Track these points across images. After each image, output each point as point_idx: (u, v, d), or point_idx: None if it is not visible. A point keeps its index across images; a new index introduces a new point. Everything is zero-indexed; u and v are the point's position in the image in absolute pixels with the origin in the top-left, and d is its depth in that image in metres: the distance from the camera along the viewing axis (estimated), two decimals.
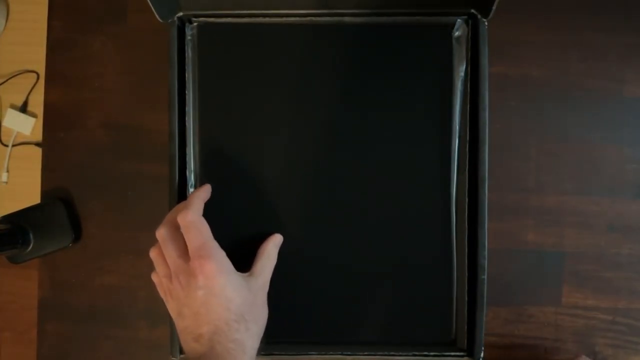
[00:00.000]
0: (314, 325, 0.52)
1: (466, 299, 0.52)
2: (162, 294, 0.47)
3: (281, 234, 0.51)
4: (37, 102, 0.62)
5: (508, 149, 0.58)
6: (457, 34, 0.53)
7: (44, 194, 0.59)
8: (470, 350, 0.51)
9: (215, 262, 0.43)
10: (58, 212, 0.58)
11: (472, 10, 0.52)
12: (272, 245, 0.50)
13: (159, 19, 0.51)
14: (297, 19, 0.53)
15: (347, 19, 0.53)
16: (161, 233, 0.45)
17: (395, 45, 0.52)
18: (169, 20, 0.52)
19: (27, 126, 0.63)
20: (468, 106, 0.53)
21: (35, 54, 0.61)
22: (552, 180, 0.58)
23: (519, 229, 0.57)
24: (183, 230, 0.45)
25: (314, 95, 0.52)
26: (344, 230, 0.52)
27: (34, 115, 0.63)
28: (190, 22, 0.54)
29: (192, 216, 0.44)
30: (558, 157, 0.58)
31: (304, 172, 0.52)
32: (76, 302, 0.59)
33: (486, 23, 0.51)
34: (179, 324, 0.44)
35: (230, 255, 0.46)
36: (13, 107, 0.63)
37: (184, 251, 0.44)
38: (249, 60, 0.52)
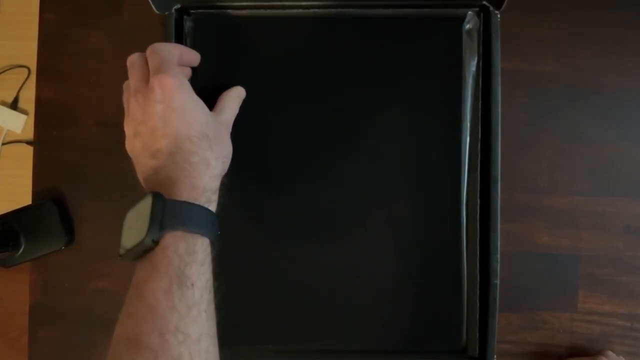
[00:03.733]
0: (318, 332, 0.51)
1: (478, 304, 0.51)
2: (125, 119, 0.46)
3: (285, 234, 0.50)
4: (29, 99, 0.62)
5: (520, 147, 0.57)
6: (468, 26, 0.52)
7: (36, 194, 0.59)
8: (482, 358, 0.50)
9: (175, 78, 0.42)
10: (50, 214, 0.57)
11: (484, 2, 0.51)
12: (235, 94, 0.48)
13: (156, 11, 0.51)
14: (300, 10, 0.52)
15: (352, 10, 0.52)
16: (131, 58, 0.45)
17: (404, 38, 0.51)
18: (166, 13, 0.52)
19: (18, 124, 0.62)
20: (479, 103, 0.52)
21: (26, 48, 0.61)
22: (566, 180, 0.57)
23: (532, 231, 0.57)
24: (147, 56, 0.44)
25: (317, 90, 0.51)
26: (350, 232, 0.51)
27: (25, 112, 0.63)
28: (189, 15, 0.53)
29: (158, 45, 0.44)
30: (572, 156, 0.57)
31: (307, 171, 0.51)
32: (70, 307, 0.58)
33: (499, 15, 0.51)
34: (136, 145, 0.43)
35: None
36: (3, 103, 0.62)
37: (147, 75, 0.44)
38: (249, 53, 0.51)
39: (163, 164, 0.41)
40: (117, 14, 0.59)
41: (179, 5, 0.52)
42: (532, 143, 0.57)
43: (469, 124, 0.52)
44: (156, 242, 0.38)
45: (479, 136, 0.51)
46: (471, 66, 0.52)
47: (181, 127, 0.41)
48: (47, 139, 0.59)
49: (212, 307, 0.39)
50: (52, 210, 0.57)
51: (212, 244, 0.41)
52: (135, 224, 0.39)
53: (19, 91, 0.62)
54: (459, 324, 0.50)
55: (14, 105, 0.62)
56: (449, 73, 0.51)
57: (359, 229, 0.51)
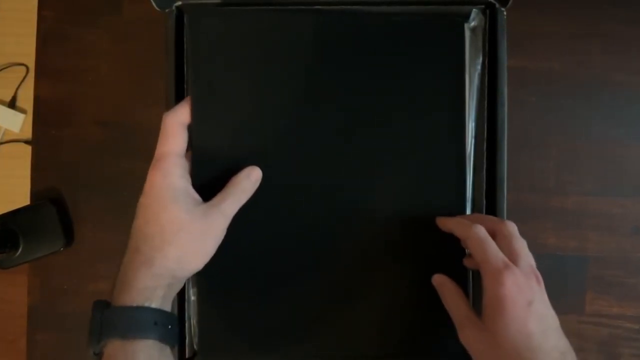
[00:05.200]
0: (310, 336, 0.50)
1: None
2: None
3: (285, 235, 0.48)
4: (27, 97, 0.62)
5: (527, 147, 0.57)
6: (473, 24, 0.51)
7: (34, 194, 0.59)
8: None
9: (159, 174, 0.41)
10: (49, 214, 0.57)
11: None
12: (245, 177, 0.45)
13: (156, 8, 0.50)
14: (302, 7, 0.51)
15: (356, 7, 0.51)
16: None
17: (407, 36, 0.50)
18: (167, 10, 0.51)
19: (16, 123, 0.62)
20: (485, 102, 0.51)
21: (24, 46, 0.60)
22: (574, 180, 0.57)
23: (539, 232, 0.57)
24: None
25: (320, 88, 0.50)
26: (351, 234, 0.49)
27: (23, 111, 0.63)
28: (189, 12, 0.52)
29: (169, 120, 0.44)
30: (580, 156, 0.57)
31: (309, 171, 0.50)
32: (68, 309, 0.58)
33: (505, 13, 0.50)
34: None
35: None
36: (1, 102, 0.63)
37: None
38: (250, 52, 0.50)
39: (123, 259, 0.41)
40: (117, 11, 0.59)
41: (179, 3, 0.50)
42: (539, 143, 0.57)
43: (474, 124, 0.51)
44: (98, 355, 0.38)
45: (485, 136, 0.50)
46: (476, 64, 0.51)
47: (139, 222, 0.41)
48: (45, 139, 0.59)
49: None
50: (51, 211, 0.57)
51: (164, 340, 0.40)
52: None
53: (17, 90, 0.61)
54: None
55: (12, 104, 0.62)
56: (454, 72, 0.50)
57: (359, 231, 0.49)
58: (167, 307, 0.41)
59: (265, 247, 0.49)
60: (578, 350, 0.53)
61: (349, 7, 0.50)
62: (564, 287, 0.56)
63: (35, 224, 0.57)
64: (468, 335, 0.41)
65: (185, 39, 0.51)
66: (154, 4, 0.49)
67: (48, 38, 0.59)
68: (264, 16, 0.49)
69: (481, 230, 0.42)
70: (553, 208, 0.56)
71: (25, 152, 0.60)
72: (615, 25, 0.57)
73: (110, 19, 0.59)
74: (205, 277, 0.47)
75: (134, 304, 0.39)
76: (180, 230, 0.41)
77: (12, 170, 0.61)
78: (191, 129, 0.46)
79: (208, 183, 0.46)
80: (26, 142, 0.61)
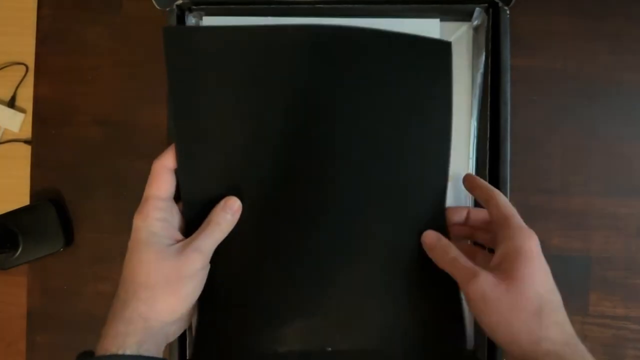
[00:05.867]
0: (308, 333, 0.49)
1: None
2: None
3: (280, 242, 0.47)
4: (26, 97, 0.61)
5: (531, 147, 0.57)
6: (475, 23, 0.51)
7: (34, 194, 0.59)
8: None
9: (139, 218, 0.42)
10: (48, 214, 0.57)
11: None
12: (221, 211, 0.44)
13: (156, 6, 0.50)
14: (303, 6, 0.51)
15: (357, 6, 0.51)
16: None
17: (393, 54, 0.48)
18: (168, 9, 0.51)
19: (15, 122, 0.61)
20: (488, 101, 0.51)
21: (24, 45, 0.60)
22: (579, 181, 0.57)
23: (543, 233, 0.54)
24: None
25: (305, 107, 0.48)
26: (349, 238, 0.48)
27: (22, 110, 0.62)
28: (191, 11, 0.52)
29: (155, 164, 0.44)
30: (585, 156, 0.57)
31: (302, 180, 0.48)
32: (68, 311, 0.58)
33: (508, 11, 0.50)
34: None
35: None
36: (0, 101, 0.62)
37: None
38: (228, 69, 0.47)
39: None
40: (117, 9, 0.59)
41: (180, 1, 0.51)
42: (544, 142, 0.57)
43: (476, 123, 0.51)
44: None
45: (488, 135, 0.50)
46: (479, 63, 0.51)
47: (123, 269, 0.42)
48: (44, 138, 0.59)
49: None
50: (50, 211, 0.57)
51: None
52: None
53: (16, 89, 0.61)
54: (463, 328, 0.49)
55: (12, 103, 0.61)
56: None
57: (358, 235, 0.48)
58: (150, 353, 0.39)
59: (264, 247, 0.48)
60: None
61: (350, 6, 0.50)
62: (567, 288, 0.54)
63: (35, 225, 0.56)
64: (481, 284, 0.39)
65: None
66: (154, 2, 0.50)
67: (47, 37, 0.59)
68: (243, 34, 0.47)
69: (503, 196, 0.44)
70: (557, 209, 0.56)
71: (25, 152, 0.59)
72: (622, 23, 0.56)
73: (110, 18, 0.59)
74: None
75: (107, 353, 0.38)
76: (150, 271, 0.40)
77: (12, 170, 0.61)
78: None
79: (197, 217, 0.45)
80: (26, 141, 0.61)
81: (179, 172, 0.45)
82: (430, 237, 0.45)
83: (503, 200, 0.43)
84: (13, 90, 0.61)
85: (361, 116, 0.47)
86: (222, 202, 0.44)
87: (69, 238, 0.57)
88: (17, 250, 0.56)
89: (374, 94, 0.47)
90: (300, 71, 0.46)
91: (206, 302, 0.46)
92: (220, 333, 0.47)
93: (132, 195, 0.57)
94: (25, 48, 0.60)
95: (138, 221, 0.42)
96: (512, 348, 0.38)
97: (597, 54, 0.57)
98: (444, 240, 0.44)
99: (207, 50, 0.46)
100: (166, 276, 0.40)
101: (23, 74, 0.61)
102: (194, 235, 0.43)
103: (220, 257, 0.45)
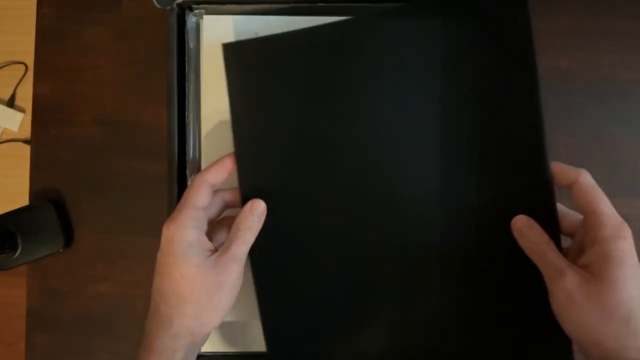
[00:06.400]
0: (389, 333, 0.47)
1: None
2: None
3: (356, 245, 0.46)
4: (26, 96, 0.62)
5: None
6: None
7: (33, 194, 0.59)
8: None
9: (173, 228, 0.41)
10: (48, 215, 0.57)
11: None
12: (250, 214, 0.44)
13: (157, 5, 0.50)
14: (304, 5, 0.51)
15: (358, 5, 0.51)
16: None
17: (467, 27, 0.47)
18: (168, 7, 0.51)
19: (14, 122, 0.62)
20: None
21: (23, 44, 0.60)
22: None
23: None
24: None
25: (370, 101, 0.47)
26: (437, 234, 0.46)
27: (22, 110, 0.62)
28: (191, 10, 0.52)
29: (197, 178, 0.44)
30: (588, 156, 0.56)
31: (356, 186, 0.47)
32: (68, 312, 0.58)
33: None
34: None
35: None
36: (0, 101, 0.62)
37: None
38: (289, 75, 0.47)
39: (146, 320, 0.42)
40: (117, 8, 0.58)
41: (180, 0, 0.50)
42: (548, 142, 0.56)
43: None
44: None
45: None
46: None
47: (157, 279, 0.41)
48: (44, 138, 0.59)
49: None
50: (50, 211, 0.57)
51: None
52: None
53: (15, 88, 0.61)
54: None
55: (11, 102, 0.61)
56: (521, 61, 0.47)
57: (450, 221, 0.46)
58: None
59: (340, 251, 0.47)
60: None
61: (342, 4, 0.51)
62: None
63: (34, 225, 0.56)
64: (569, 283, 0.37)
65: (187, 43, 0.51)
66: (155, 1, 0.49)
67: (47, 36, 0.59)
68: (298, 39, 0.47)
69: (590, 177, 0.40)
70: None
71: (24, 152, 0.60)
72: (625, 21, 0.56)
73: (110, 16, 0.58)
74: (266, 273, 0.47)
75: None
76: (194, 285, 0.40)
77: (11, 170, 0.61)
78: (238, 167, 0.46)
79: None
80: (25, 141, 0.61)
81: (239, 179, 0.46)
82: (521, 221, 0.41)
83: (589, 183, 0.40)
84: (12, 89, 0.61)
85: (443, 99, 0.45)
86: (248, 205, 0.44)
87: (68, 238, 0.57)
88: (16, 251, 0.56)
89: (451, 72, 0.45)
90: (369, 63, 0.46)
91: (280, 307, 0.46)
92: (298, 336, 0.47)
93: (132, 196, 0.58)
94: (25, 47, 0.60)
95: (170, 231, 0.41)
96: (594, 351, 0.37)
97: (599, 53, 0.56)
98: (536, 227, 0.41)
99: (265, 59, 0.47)
100: (208, 289, 0.41)
101: (22, 73, 0.61)
102: (227, 244, 0.42)
103: (297, 261, 0.46)
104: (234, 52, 0.47)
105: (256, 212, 0.44)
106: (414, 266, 0.46)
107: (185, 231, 0.41)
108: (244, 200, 0.45)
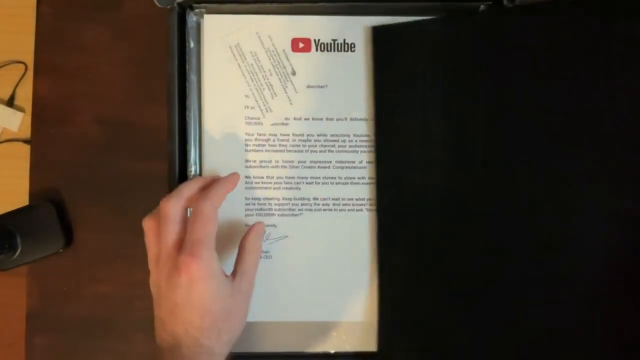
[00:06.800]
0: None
1: None
2: (149, 260, 0.47)
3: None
4: (25, 96, 0.61)
5: None
6: None
7: (33, 195, 0.58)
8: None
9: (202, 265, 0.42)
10: (48, 215, 0.56)
11: None
12: (255, 237, 0.48)
13: (157, 4, 0.50)
14: (304, 5, 0.51)
15: (359, 4, 0.51)
16: (168, 208, 0.44)
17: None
18: (168, 7, 0.51)
19: (14, 121, 0.62)
20: None
21: (23, 44, 0.60)
22: None
23: None
24: (192, 214, 0.44)
25: (521, 98, 0.49)
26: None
27: (21, 109, 0.62)
28: (192, 9, 0.52)
29: (208, 207, 0.44)
30: None
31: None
32: (68, 312, 0.57)
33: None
34: (156, 310, 0.45)
35: None
36: None
37: (181, 237, 0.44)
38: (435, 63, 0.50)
39: (172, 348, 0.42)
40: (117, 7, 0.58)
41: None
42: None
43: None
44: None
45: None
46: None
47: (194, 320, 0.42)
48: (44, 138, 0.58)
49: None
50: (50, 212, 0.56)
51: None
52: None
53: (15, 88, 0.61)
54: None
55: (10, 102, 0.61)
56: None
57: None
58: None
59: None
60: None
61: (342, 3, 0.51)
62: None
63: (34, 225, 0.56)
64: None
65: (187, 42, 0.51)
66: (155, 0, 0.50)
67: (47, 35, 0.59)
68: (447, 27, 0.50)
69: None
70: None
71: (24, 152, 0.59)
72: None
73: (110, 16, 0.58)
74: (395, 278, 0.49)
75: None
76: (230, 315, 0.44)
77: (11, 170, 0.61)
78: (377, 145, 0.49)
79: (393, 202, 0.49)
80: (25, 141, 0.61)
81: (376, 165, 0.49)
82: None
83: None
84: (12, 89, 0.61)
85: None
86: (255, 228, 0.48)
87: (68, 239, 0.57)
88: (16, 251, 0.56)
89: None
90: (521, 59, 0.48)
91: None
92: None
93: (132, 195, 0.58)
94: (24, 46, 0.59)
95: (198, 266, 0.42)
96: None
97: None
98: None
99: (413, 45, 0.50)
100: (240, 316, 0.45)
101: (22, 72, 0.61)
102: (241, 268, 0.46)
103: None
104: (384, 35, 0.50)
105: (261, 232, 0.49)
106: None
107: (214, 265, 0.43)
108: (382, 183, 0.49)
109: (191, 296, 0.42)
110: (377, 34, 0.50)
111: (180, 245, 0.43)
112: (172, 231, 0.44)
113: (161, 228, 0.44)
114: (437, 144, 0.49)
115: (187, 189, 0.46)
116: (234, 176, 0.49)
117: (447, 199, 0.48)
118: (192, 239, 0.43)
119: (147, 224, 0.46)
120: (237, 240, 0.48)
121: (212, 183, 0.47)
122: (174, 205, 0.44)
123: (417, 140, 0.49)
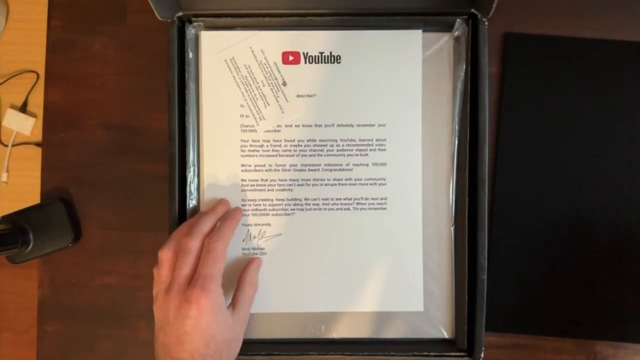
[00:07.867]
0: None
1: (466, 298, 0.52)
2: (154, 293, 0.47)
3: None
4: (37, 102, 0.61)
5: None
6: (456, 33, 0.53)
7: (44, 194, 0.59)
8: (470, 351, 0.51)
9: (211, 299, 0.44)
10: (58, 212, 0.57)
11: (472, 10, 0.51)
12: (255, 270, 0.51)
13: (158, 17, 0.50)
14: (295, 18, 0.52)
15: (342, 18, 0.52)
16: (191, 243, 0.46)
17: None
18: (169, 20, 0.52)
19: (26, 126, 0.62)
20: (468, 106, 0.52)
21: (35, 54, 0.61)
22: None
23: None
24: (204, 250, 0.46)
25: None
26: None
27: (33, 115, 0.62)
28: (190, 22, 0.53)
29: (221, 246, 0.46)
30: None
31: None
32: (76, 302, 0.59)
33: (486, 22, 0.51)
34: (159, 336, 0.45)
35: None
36: (13, 107, 0.62)
37: (193, 270, 0.46)
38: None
39: None
40: (122, 21, 0.58)
41: (181, 13, 0.51)
42: None
43: (457, 126, 0.52)
44: None
45: (468, 138, 0.52)
46: (459, 71, 0.52)
47: (201, 347, 0.44)
48: (54, 141, 0.59)
49: None
50: (60, 209, 0.57)
51: None
52: None
53: (28, 95, 0.61)
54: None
55: (23, 108, 0.61)
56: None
57: None
58: None
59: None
60: (555, 339, 0.54)
61: (320, 18, 0.52)
62: None
63: (45, 222, 0.57)
64: None
65: (186, 53, 0.51)
66: (157, 14, 0.50)
67: (57, 46, 0.59)
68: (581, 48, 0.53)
69: None
70: None
71: (36, 154, 0.60)
72: (597, 32, 0.56)
73: (115, 28, 0.58)
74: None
75: None
76: (230, 345, 0.46)
77: (23, 171, 0.61)
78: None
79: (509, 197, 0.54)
80: (36, 144, 0.61)
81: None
82: None
83: None
84: (25, 96, 0.62)
85: None
86: (255, 262, 0.51)
87: (77, 234, 0.58)
88: (28, 246, 0.56)
89: None
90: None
91: None
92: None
93: (136, 194, 0.58)
94: (36, 57, 0.60)
95: (208, 301, 0.44)
96: None
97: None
98: None
99: (540, 58, 0.53)
100: (239, 342, 0.48)
101: (34, 81, 0.62)
102: (241, 299, 0.49)
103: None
104: (517, 44, 0.53)
105: (258, 267, 0.51)
106: None
107: (220, 299, 0.45)
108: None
109: (199, 326, 0.43)
110: (511, 41, 0.53)
111: (191, 277, 0.45)
112: (188, 264, 0.45)
113: (179, 260, 0.46)
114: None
115: (205, 226, 0.48)
116: (238, 213, 0.51)
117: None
118: (204, 274, 0.45)
119: (165, 255, 0.46)
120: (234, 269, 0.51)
121: (222, 219, 0.49)
122: (195, 242, 0.46)
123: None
